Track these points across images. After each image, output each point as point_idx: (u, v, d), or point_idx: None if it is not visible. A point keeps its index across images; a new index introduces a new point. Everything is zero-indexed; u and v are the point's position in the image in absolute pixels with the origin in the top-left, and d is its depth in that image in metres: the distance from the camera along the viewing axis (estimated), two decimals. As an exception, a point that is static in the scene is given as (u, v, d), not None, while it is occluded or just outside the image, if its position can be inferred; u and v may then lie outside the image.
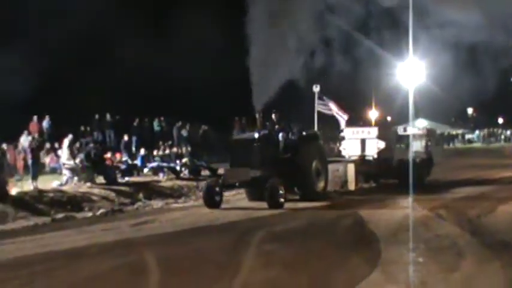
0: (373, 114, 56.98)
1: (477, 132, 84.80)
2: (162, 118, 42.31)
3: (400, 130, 35.10)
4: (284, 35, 26.90)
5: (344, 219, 20.48)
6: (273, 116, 26.40)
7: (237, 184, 24.46)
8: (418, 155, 32.96)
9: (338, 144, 35.95)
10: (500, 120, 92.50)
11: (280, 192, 23.02)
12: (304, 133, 27.27)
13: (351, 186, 29.33)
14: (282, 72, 26.73)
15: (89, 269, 13.14)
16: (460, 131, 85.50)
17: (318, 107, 33.53)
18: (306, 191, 25.42)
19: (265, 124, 26.59)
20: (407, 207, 22.25)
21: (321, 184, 26.26)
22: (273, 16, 26.30)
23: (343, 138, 33.82)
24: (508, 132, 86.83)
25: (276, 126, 26.34)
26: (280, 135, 25.79)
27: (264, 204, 22.80)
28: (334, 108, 33.90)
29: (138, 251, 15.11)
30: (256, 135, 24.91)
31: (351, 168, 29.63)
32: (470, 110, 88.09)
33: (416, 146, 33.60)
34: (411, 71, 48.86)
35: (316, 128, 32.44)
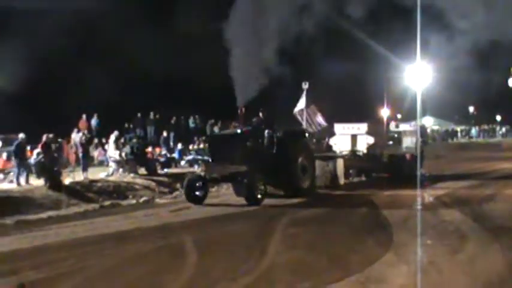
0: (384, 112, 56.55)
1: (476, 128, 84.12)
2: (196, 116, 42.51)
3: (392, 126, 34.48)
4: (266, 34, 24.52)
5: (356, 208, 20.36)
6: (261, 114, 24.36)
7: (219, 178, 22.48)
8: (409, 150, 32.40)
9: (326, 140, 32.90)
10: (498, 118, 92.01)
11: (259, 187, 20.96)
12: (290, 130, 25.29)
13: (341, 180, 27.57)
14: (260, 73, 24.14)
15: (134, 249, 13.30)
16: (462, 127, 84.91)
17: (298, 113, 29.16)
18: (291, 187, 23.05)
19: (251, 121, 24.29)
20: (414, 197, 22.27)
21: (307, 180, 23.86)
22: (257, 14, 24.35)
23: (332, 134, 32.02)
24: (503, 129, 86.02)
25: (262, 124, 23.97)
26: (266, 132, 23.26)
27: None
28: (309, 117, 28.93)
29: (176, 234, 15.27)
30: (239, 131, 23.36)
31: (340, 163, 28.00)
32: (471, 109, 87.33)
33: (407, 142, 32.91)
34: (419, 74, 48.78)
35: (304, 125, 29.05)
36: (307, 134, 26.83)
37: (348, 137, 30.49)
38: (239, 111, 24.12)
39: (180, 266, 11.29)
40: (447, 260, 11.62)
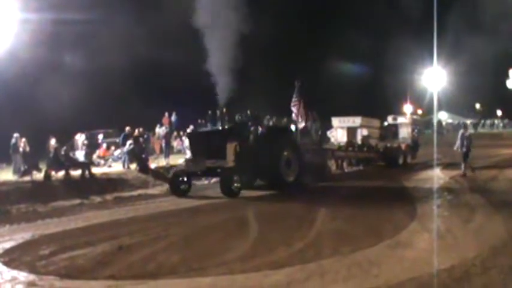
0: (408, 108, 55.83)
1: (468, 121, 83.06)
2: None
3: (390, 119, 33.27)
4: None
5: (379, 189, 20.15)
6: (248, 111, 21.26)
7: (199, 173, 19.75)
8: (404, 141, 31.21)
9: (319, 133, 29.70)
10: (499, 113, 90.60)
11: (235, 180, 18.21)
12: (274, 126, 22.98)
13: (331, 172, 25.25)
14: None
15: (206, 220, 13.36)
16: (470, 121, 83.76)
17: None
18: (274, 181, 19.97)
19: (234, 118, 21.21)
20: (432, 178, 21.94)
21: (292, 174, 20.39)
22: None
23: (324, 128, 29.19)
24: (496, 121, 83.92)
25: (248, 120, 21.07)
26: (252, 128, 20.67)
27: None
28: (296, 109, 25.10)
29: (240, 208, 15.26)
30: (220, 128, 20.32)
31: (330, 155, 25.88)
32: (478, 105, 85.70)
33: (404, 133, 31.68)
34: (436, 76, 48.22)
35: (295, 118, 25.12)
36: (294, 128, 23.71)
37: (345, 130, 28.87)
38: (219, 109, 20.88)
39: (244, 234, 11.20)
40: (460, 228, 11.33)
